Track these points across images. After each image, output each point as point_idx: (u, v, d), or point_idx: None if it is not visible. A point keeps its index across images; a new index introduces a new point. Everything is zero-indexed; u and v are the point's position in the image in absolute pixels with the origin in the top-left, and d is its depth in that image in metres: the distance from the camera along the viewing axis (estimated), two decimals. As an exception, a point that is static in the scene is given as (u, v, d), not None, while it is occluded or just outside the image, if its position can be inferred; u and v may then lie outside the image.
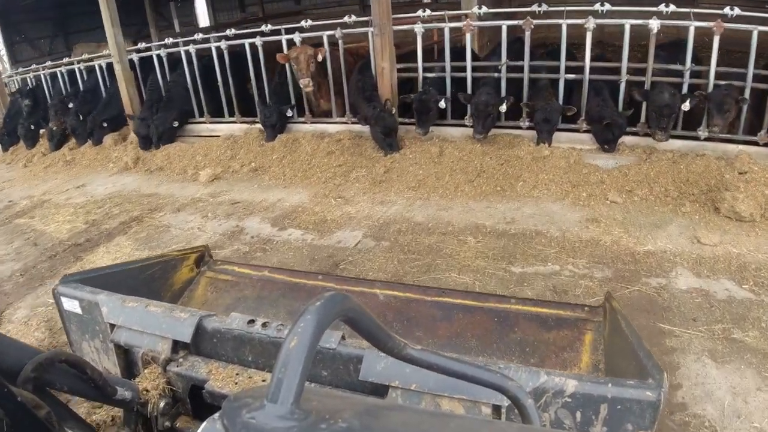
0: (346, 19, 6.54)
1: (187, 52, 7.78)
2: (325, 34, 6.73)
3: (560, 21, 5.73)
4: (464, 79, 6.41)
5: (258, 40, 7.23)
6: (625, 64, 5.67)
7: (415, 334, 2.40)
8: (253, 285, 2.81)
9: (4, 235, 6.05)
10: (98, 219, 6.15)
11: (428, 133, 6.33)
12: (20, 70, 11.25)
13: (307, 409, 0.57)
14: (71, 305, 2.00)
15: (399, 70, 6.58)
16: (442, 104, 6.20)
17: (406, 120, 6.55)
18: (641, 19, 5.49)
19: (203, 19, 15.87)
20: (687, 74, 5.45)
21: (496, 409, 1.39)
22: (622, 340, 1.79)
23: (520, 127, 6.20)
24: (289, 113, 7.28)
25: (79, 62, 9.39)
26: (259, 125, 7.45)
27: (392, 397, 1.40)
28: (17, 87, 10.75)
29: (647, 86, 5.62)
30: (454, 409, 1.41)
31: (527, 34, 5.89)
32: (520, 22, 5.87)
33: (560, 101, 5.96)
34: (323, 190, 6.04)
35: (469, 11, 6.47)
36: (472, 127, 6.14)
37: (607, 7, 5.63)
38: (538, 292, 3.67)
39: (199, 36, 7.67)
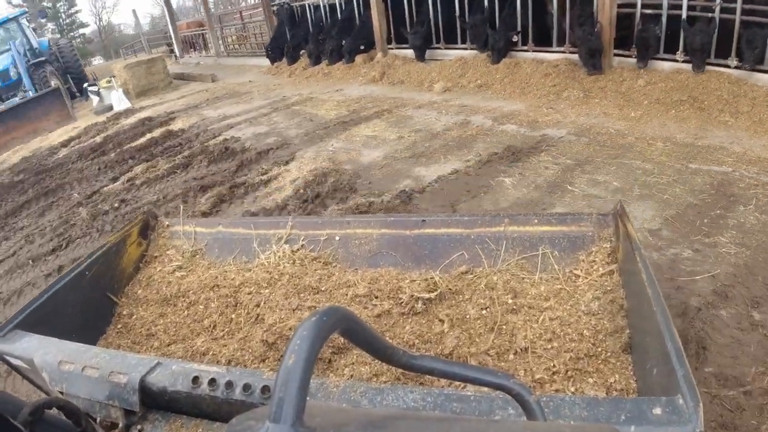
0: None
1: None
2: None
3: None
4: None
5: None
6: None
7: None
8: (209, 246, 2.72)
9: (287, 115, 8.68)
10: (356, 109, 8.27)
11: (647, 65, 6.75)
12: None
13: (311, 426, 0.56)
14: (19, 362, 1.85)
15: (619, 5, 6.65)
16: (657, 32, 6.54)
17: (623, 52, 7.07)
18: None
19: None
20: None
21: None
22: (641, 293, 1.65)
23: (728, 66, 6.02)
24: (515, 39, 8.15)
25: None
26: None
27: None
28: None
29: None
30: None
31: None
32: None
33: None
34: (537, 103, 7.06)
35: None
36: (684, 62, 6.40)
37: None
38: (705, 180, 4.20)
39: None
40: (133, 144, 8.84)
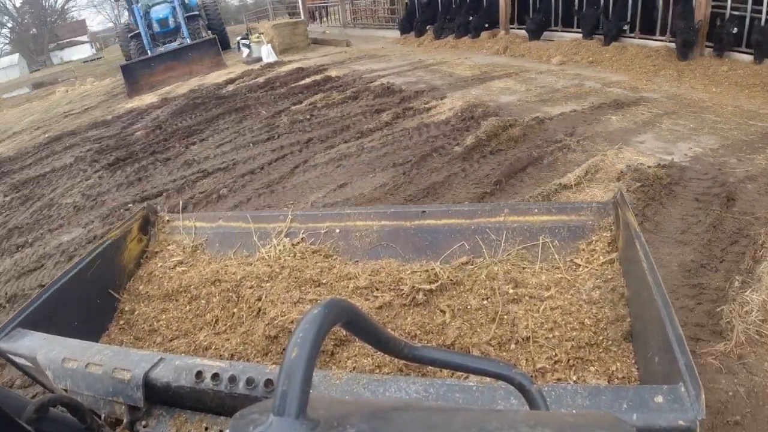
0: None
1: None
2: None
3: None
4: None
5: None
6: None
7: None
8: (210, 240, 2.75)
9: (427, 72, 10.95)
10: (487, 71, 10.35)
11: (722, 56, 8.57)
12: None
13: (315, 418, 0.55)
14: (22, 360, 1.84)
15: (713, 7, 8.56)
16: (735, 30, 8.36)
17: (709, 44, 8.86)
18: None
19: None
20: None
21: None
22: (643, 288, 1.64)
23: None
24: (625, 27, 10.23)
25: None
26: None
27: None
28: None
29: None
30: None
31: None
32: None
33: None
34: (638, 77, 8.91)
35: None
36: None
37: None
38: (757, 130, 5.88)
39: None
40: (299, 83, 11.25)
